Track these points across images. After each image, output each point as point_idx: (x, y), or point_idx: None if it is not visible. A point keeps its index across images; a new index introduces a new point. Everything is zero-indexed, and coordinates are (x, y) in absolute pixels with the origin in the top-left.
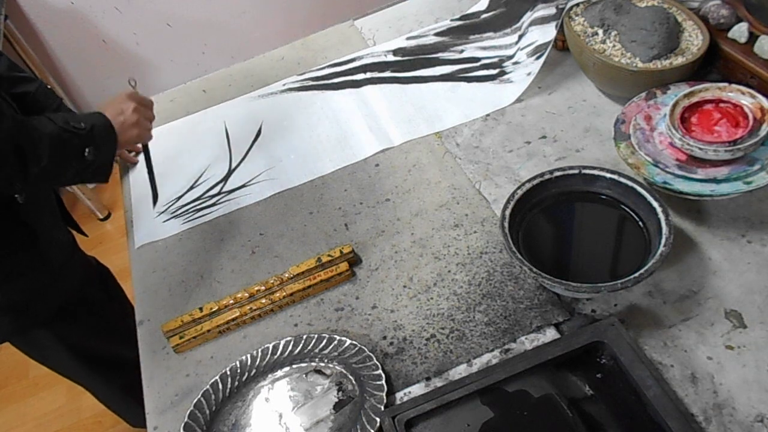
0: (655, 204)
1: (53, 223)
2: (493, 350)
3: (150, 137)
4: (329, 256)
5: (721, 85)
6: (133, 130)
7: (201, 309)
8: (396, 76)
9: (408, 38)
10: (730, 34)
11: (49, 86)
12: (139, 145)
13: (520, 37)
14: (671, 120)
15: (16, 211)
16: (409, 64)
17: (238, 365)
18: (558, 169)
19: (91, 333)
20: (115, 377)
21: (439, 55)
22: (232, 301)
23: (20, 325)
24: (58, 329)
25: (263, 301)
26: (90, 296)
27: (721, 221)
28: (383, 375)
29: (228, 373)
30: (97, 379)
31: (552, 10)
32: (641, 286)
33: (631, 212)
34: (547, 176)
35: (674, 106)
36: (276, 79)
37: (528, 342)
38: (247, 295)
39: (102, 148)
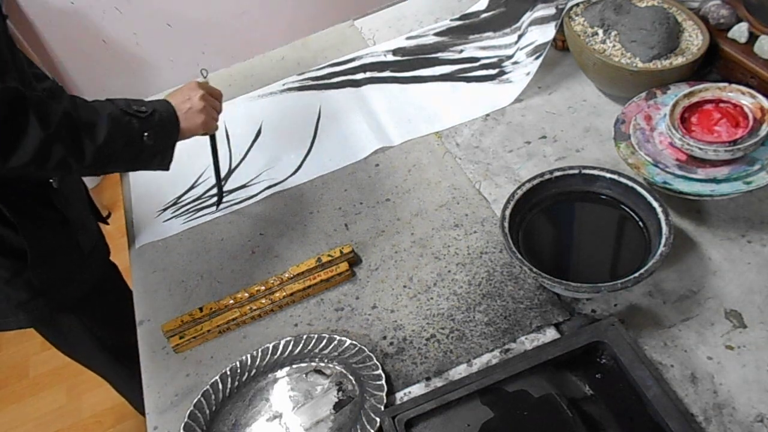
0: (655, 204)
1: (82, 209)
2: (493, 350)
3: (216, 127)
4: (329, 256)
5: (721, 85)
6: (199, 118)
7: (201, 309)
8: (395, 75)
9: (408, 38)
10: (730, 34)
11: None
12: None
13: (520, 37)
14: (671, 120)
15: (49, 195)
16: (409, 64)
17: (238, 365)
18: (558, 169)
19: (115, 322)
20: (137, 368)
21: (439, 55)
22: (232, 301)
23: (51, 309)
24: (83, 316)
25: (263, 301)
26: (113, 286)
27: (721, 221)
28: (383, 375)
29: (228, 373)
30: (118, 370)
31: (552, 10)
32: (641, 286)
33: (631, 212)
34: (547, 176)
35: (674, 106)
36: (276, 79)
37: (528, 342)
38: (247, 295)
39: (162, 134)
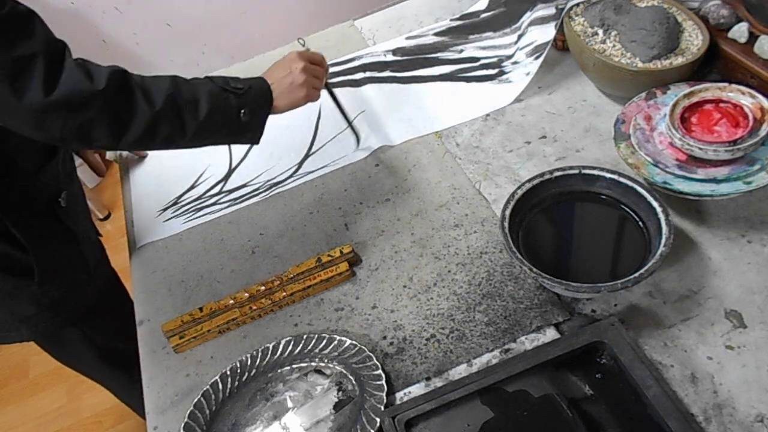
0: (655, 204)
1: (87, 224)
2: (493, 350)
3: (317, 97)
4: (329, 256)
5: (721, 85)
6: (300, 92)
7: (201, 309)
8: (395, 75)
9: (407, 38)
10: (730, 34)
11: None
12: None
13: (520, 36)
14: (671, 120)
15: (57, 214)
16: (409, 63)
17: (238, 365)
18: (558, 169)
19: (115, 332)
20: (136, 375)
21: (439, 54)
22: (232, 301)
23: (56, 323)
24: (85, 328)
25: (263, 301)
26: (114, 295)
27: (721, 221)
28: (383, 375)
29: (228, 373)
30: (117, 377)
31: (551, 10)
32: (641, 286)
33: (631, 212)
34: (547, 176)
35: (674, 106)
36: None
37: (528, 342)
38: (247, 295)
39: (257, 110)
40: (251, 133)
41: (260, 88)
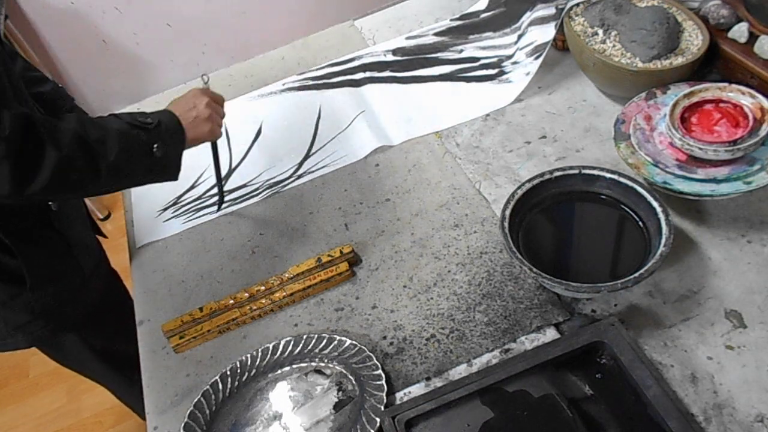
0: (655, 204)
1: (83, 230)
2: (493, 350)
3: (220, 134)
4: (329, 256)
5: (721, 85)
6: (206, 126)
7: (201, 309)
8: (395, 75)
9: (407, 38)
10: (730, 34)
11: (61, 85)
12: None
13: (520, 36)
14: (671, 120)
15: (50, 219)
16: (409, 63)
17: (238, 365)
18: (558, 169)
19: (115, 335)
20: (137, 376)
21: (439, 54)
22: (232, 301)
23: (51, 330)
24: (85, 333)
25: (263, 301)
26: (114, 298)
27: (721, 221)
28: (383, 375)
29: (228, 373)
30: (119, 379)
31: (551, 10)
32: (641, 286)
33: (631, 212)
34: (547, 176)
35: (674, 106)
36: (276, 79)
37: (528, 342)
38: (247, 295)
39: (170, 144)
40: (168, 169)
41: (169, 121)
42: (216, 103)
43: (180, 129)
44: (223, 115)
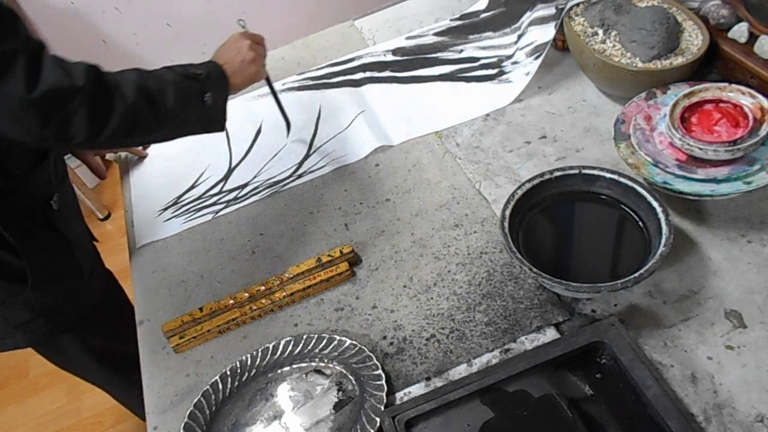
0: (655, 204)
1: (81, 230)
2: (493, 350)
3: (265, 73)
4: (329, 256)
5: (721, 85)
6: (252, 67)
7: (201, 309)
8: (395, 75)
9: (407, 38)
10: (730, 34)
11: None
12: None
13: (520, 36)
14: (671, 120)
15: (52, 219)
16: (409, 63)
17: (238, 365)
18: (558, 169)
19: (114, 336)
20: (135, 377)
21: (439, 54)
22: (232, 301)
23: (51, 329)
24: (83, 334)
25: (263, 301)
26: (112, 300)
27: (721, 221)
28: (383, 375)
29: (228, 373)
30: (117, 380)
31: (551, 10)
32: (641, 286)
33: (631, 212)
34: (547, 176)
35: (674, 106)
36: (276, 79)
37: (528, 342)
38: (247, 295)
39: (218, 93)
40: (217, 119)
41: (216, 70)
42: (257, 43)
43: (225, 79)
44: (264, 55)
